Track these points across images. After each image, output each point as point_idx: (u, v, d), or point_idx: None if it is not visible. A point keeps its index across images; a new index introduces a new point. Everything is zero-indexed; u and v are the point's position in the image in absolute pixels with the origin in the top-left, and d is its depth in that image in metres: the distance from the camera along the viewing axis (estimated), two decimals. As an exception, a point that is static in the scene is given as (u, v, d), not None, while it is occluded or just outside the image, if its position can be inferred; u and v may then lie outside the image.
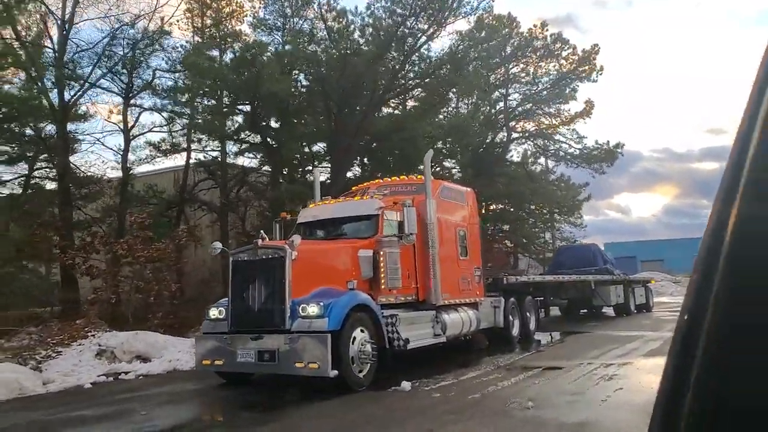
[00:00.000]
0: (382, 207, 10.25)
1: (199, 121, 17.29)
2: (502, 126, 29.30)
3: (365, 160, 22.79)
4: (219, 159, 21.29)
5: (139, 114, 19.89)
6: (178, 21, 20.16)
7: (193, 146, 20.68)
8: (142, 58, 19.48)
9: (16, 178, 21.36)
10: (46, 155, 21.09)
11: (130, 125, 19.93)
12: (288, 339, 8.10)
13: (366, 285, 9.60)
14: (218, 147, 20.79)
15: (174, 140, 19.64)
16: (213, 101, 18.53)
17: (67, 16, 21.12)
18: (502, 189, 28.38)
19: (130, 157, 20.02)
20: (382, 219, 10.18)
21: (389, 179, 13.05)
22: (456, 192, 12.65)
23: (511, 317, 14.29)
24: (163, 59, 19.56)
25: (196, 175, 22.11)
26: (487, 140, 28.63)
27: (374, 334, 8.89)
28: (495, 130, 29.34)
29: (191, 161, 20.87)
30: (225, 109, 17.88)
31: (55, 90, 19.52)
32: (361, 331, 8.59)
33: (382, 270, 9.62)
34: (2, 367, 8.67)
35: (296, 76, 18.80)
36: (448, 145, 25.59)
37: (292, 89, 17.47)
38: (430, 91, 21.26)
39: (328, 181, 19.17)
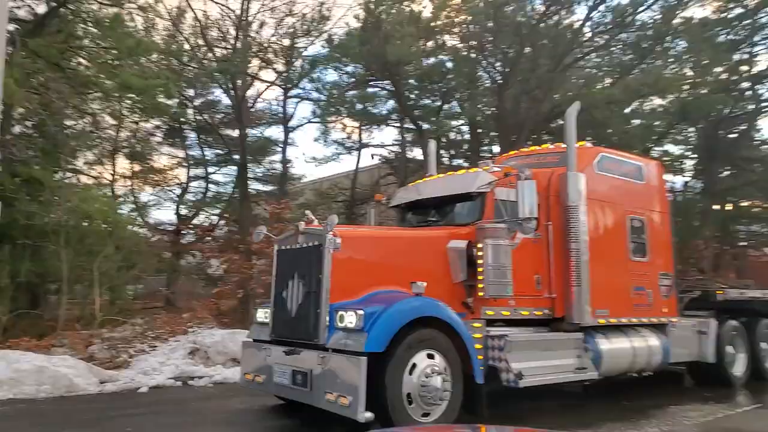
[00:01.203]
0: (490, 182, 7.44)
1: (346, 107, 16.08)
2: (745, 93, 22.74)
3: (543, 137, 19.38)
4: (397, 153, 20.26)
5: (297, 105, 19.66)
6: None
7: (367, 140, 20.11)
8: (301, 47, 19.20)
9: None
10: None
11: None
12: (321, 358, 5.96)
13: (459, 291, 6.97)
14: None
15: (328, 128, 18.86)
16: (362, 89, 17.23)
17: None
18: (751, 177, 22.06)
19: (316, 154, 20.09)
20: (491, 199, 7.38)
21: (537, 147, 9.95)
22: (627, 165, 9.06)
23: (730, 348, 10.03)
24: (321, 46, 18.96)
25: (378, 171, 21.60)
26: (726, 111, 22.47)
27: (456, 361, 6.24)
28: (734, 99, 22.93)
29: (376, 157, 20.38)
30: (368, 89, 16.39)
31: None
32: (429, 356, 6.03)
33: (480, 270, 6.86)
34: (62, 361, 8.13)
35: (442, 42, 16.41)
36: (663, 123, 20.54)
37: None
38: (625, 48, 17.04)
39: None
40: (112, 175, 30.94)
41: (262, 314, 7.28)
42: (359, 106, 17.41)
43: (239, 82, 21.71)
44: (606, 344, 7.98)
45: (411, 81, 15.86)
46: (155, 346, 10.25)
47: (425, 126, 16.49)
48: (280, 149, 23.76)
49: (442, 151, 17.86)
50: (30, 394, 7.53)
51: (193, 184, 30.91)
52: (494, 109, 17.40)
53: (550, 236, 7.82)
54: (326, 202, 23.57)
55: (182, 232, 23.61)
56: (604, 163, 8.63)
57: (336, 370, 5.76)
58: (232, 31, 21.69)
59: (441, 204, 7.99)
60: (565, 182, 7.86)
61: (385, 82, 16.50)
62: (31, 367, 7.79)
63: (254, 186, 30.64)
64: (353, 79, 17.00)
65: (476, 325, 6.95)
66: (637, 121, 19.44)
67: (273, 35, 19.17)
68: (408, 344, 5.86)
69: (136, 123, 33.07)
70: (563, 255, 7.78)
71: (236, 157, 24.01)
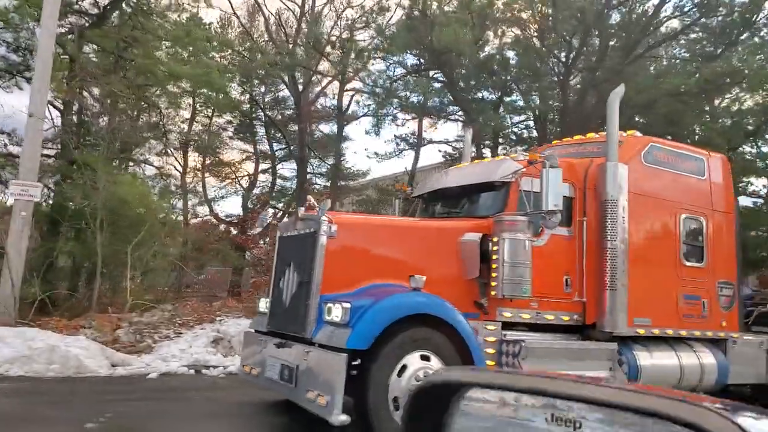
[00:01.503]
0: (515, 171, 6.73)
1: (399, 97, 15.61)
2: None
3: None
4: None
5: (351, 98, 19.42)
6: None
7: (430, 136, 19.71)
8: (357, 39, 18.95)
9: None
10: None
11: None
12: (306, 353, 5.55)
13: (472, 289, 6.35)
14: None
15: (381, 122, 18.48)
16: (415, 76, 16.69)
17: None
18: None
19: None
20: (515, 189, 6.69)
21: (581, 137, 9.07)
22: (684, 158, 8.04)
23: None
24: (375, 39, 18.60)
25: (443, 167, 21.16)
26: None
27: (457, 364, 5.63)
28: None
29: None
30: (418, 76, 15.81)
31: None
32: (423, 358, 5.46)
33: (494, 267, 6.20)
34: (75, 342, 8.18)
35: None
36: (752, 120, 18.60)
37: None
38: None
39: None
40: (183, 166, 32.15)
41: (263, 304, 6.95)
42: (413, 99, 16.88)
43: (299, 76, 21.82)
44: (646, 358, 7.08)
45: (464, 72, 15.07)
46: (180, 333, 10.22)
47: (480, 120, 15.68)
48: (344, 145, 23.74)
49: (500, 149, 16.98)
50: (39, 372, 7.60)
51: (261, 177, 31.52)
52: (558, 103, 16.37)
53: (584, 234, 7.01)
54: (387, 198, 23.34)
55: (246, 223, 24.03)
56: (655, 155, 7.69)
57: (317, 367, 5.33)
58: (294, 25, 21.86)
59: (463, 194, 7.37)
60: (604, 174, 7.02)
61: (437, 73, 15.85)
62: (45, 346, 7.87)
63: (319, 181, 30.95)
64: (404, 71, 16.47)
65: (490, 327, 6.31)
66: (726, 120, 17.73)
67: (332, 28, 19.11)
68: (398, 343, 5.33)
69: (210, 118, 34.26)
70: (598, 255, 6.96)
71: (296, 151, 24.22)
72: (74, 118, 15.57)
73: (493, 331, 6.32)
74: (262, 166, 33.61)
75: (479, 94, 16.31)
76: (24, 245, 10.18)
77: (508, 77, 16.49)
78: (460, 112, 17.03)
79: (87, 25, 14.91)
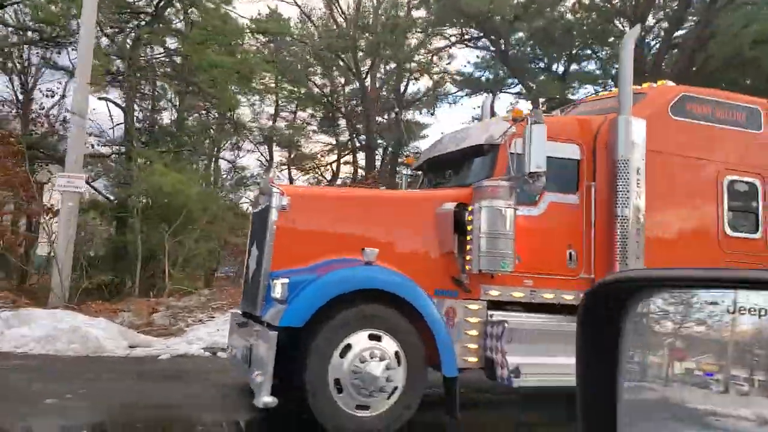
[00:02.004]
0: (504, 132, 6.00)
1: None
2: None
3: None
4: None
5: (407, 81, 18.86)
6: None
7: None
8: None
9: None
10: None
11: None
12: (255, 332, 5.30)
13: (451, 265, 5.76)
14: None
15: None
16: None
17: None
18: None
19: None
20: (504, 153, 5.97)
21: (606, 92, 7.99)
22: (729, 108, 6.82)
23: None
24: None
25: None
26: None
27: (416, 347, 5.13)
28: None
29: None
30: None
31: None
32: (373, 337, 4.99)
33: (469, 238, 5.56)
34: (96, 323, 8.53)
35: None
36: None
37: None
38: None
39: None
40: (268, 161, 33.31)
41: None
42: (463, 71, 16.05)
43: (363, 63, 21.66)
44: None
45: (516, 39, 14.06)
46: (213, 317, 10.39)
47: (536, 90, 14.57)
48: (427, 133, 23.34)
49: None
50: (60, 351, 7.99)
51: (344, 168, 31.92)
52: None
53: (593, 201, 6.13)
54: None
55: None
56: (689, 107, 6.58)
57: (258, 347, 5.05)
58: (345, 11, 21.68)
59: (454, 161, 6.73)
60: (615, 130, 6.10)
61: (482, 42, 14.93)
62: (68, 327, 8.25)
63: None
64: (449, 43, 15.70)
65: (473, 307, 5.71)
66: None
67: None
68: (342, 321, 4.91)
69: (294, 113, 35.18)
70: (608, 225, 6.06)
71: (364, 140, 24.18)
72: (139, 115, 16.40)
73: (476, 311, 5.72)
74: (346, 158, 34.09)
75: (540, 64, 15.15)
76: (72, 234, 10.80)
77: (575, 42, 15.21)
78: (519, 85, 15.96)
79: (143, 23, 15.60)
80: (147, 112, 16.90)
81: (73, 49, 14.28)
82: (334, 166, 33.74)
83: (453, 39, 15.66)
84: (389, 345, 5.02)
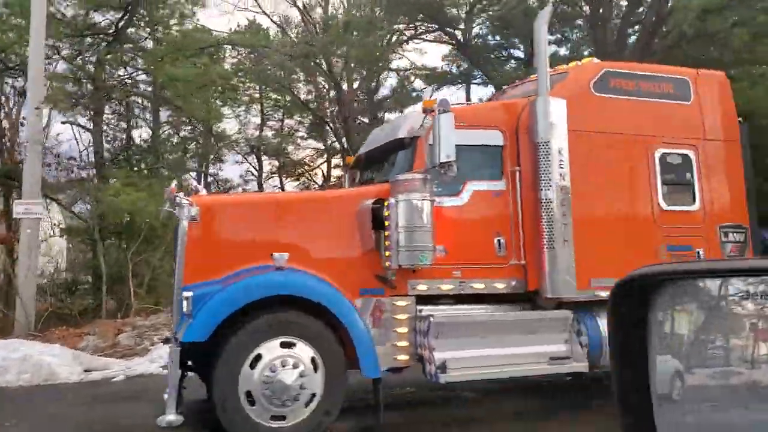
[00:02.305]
0: (422, 125, 5.88)
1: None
2: None
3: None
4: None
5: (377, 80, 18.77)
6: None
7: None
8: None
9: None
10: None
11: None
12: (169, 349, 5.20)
13: (374, 262, 5.64)
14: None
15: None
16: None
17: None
18: None
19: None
20: (422, 144, 5.86)
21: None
22: (657, 81, 6.68)
23: None
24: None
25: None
26: None
27: (335, 351, 5.03)
28: None
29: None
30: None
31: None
32: (285, 345, 4.89)
33: (386, 234, 5.45)
34: (47, 349, 8.48)
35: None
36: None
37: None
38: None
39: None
40: (258, 171, 33.24)
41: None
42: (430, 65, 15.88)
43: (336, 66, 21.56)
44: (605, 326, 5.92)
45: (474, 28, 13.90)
46: (179, 334, 10.31)
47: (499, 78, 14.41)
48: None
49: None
50: (11, 382, 7.91)
51: (336, 172, 31.88)
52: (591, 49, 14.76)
53: (518, 186, 6.00)
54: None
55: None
56: (613, 83, 6.45)
57: (169, 364, 4.95)
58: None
59: (381, 157, 6.62)
60: (534, 112, 5.98)
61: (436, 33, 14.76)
62: (19, 357, 8.18)
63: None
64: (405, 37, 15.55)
65: (400, 303, 5.61)
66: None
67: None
68: (251, 331, 4.83)
69: (281, 120, 35.09)
70: (536, 210, 5.93)
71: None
72: (110, 136, 16.36)
73: (405, 308, 5.61)
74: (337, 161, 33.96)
75: (503, 52, 14.98)
76: (33, 263, 10.75)
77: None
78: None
79: (105, 44, 15.56)
80: (121, 132, 16.89)
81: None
82: (325, 170, 33.69)
83: (408, 34, 15.48)
84: (304, 351, 4.93)
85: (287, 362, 4.81)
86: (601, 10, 14.97)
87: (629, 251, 6.14)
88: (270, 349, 4.83)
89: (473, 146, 6.05)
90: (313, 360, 4.94)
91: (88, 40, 15.47)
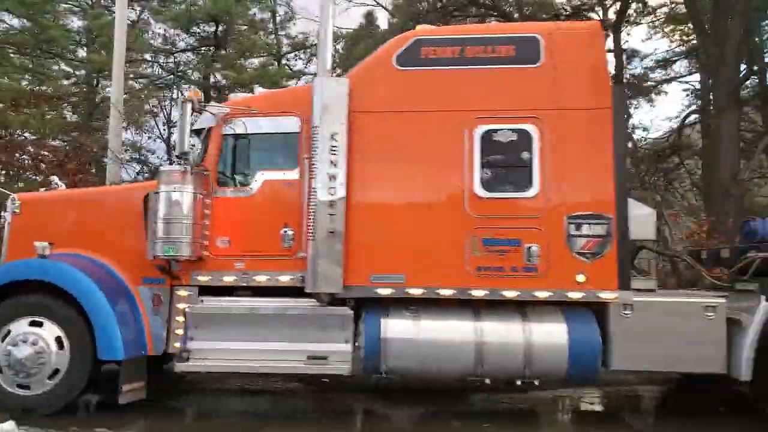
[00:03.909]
0: (215, 115, 5.97)
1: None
2: None
3: None
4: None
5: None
6: None
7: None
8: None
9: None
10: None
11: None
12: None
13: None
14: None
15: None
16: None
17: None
18: None
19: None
20: (218, 135, 5.99)
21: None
22: (488, 43, 5.71)
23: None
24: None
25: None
26: None
27: (81, 331, 5.52)
28: None
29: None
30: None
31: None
32: (34, 324, 5.52)
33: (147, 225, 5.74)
34: None
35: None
36: None
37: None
38: None
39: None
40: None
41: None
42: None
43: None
44: (400, 329, 5.38)
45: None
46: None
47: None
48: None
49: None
50: None
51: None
52: None
53: (306, 175, 5.74)
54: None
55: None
56: (423, 52, 5.74)
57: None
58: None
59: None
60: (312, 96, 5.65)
61: None
62: None
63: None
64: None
65: (181, 293, 5.86)
66: None
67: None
68: (3, 309, 5.55)
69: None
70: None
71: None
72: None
73: (185, 297, 5.86)
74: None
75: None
76: None
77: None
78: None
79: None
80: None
81: None
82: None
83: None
84: (50, 331, 5.51)
85: (27, 339, 5.43)
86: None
87: (425, 245, 5.45)
88: (19, 326, 5.50)
89: (267, 134, 5.96)
90: (59, 339, 5.48)
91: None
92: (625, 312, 5.32)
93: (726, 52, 11.65)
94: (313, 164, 5.50)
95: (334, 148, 5.48)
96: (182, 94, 5.67)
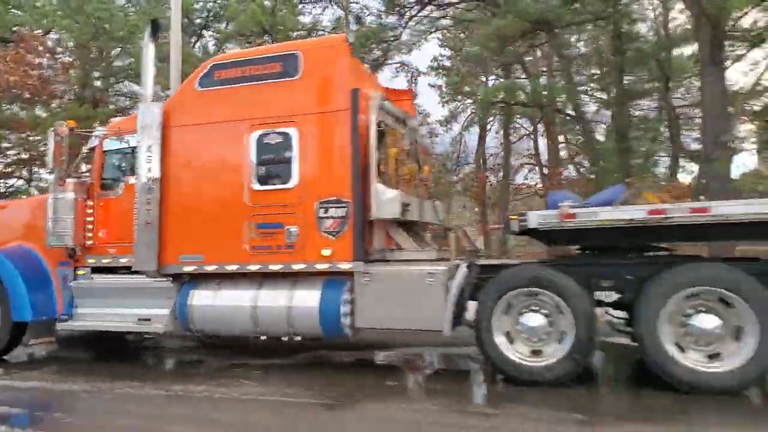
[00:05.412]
0: (96, 135, 8.05)
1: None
2: None
3: None
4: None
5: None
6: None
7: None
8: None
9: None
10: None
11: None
12: None
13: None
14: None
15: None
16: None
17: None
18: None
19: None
20: (99, 152, 8.03)
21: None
22: (263, 62, 6.98)
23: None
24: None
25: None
26: None
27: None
28: None
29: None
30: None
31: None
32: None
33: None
34: None
35: None
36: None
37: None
38: None
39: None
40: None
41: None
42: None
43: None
44: (202, 298, 7.03)
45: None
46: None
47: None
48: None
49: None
50: None
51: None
52: None
53: (141, 180, 7.57)
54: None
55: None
56: (215, 75, 7.21)
57: None
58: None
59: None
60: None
61: None
62: None
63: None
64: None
65: (80, 272, 8.02)
66: None
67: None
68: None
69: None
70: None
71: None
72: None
73: (82, 275, 7.98)
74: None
75: None
76: None
77: None
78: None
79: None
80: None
81: None
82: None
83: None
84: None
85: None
86: None
87: (217, 231, 6.97)
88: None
89: (124, 150, 7.80)
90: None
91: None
92: (365, 280, 6.37)
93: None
94: (138, 171, 7.24)
95: (149, 158, 7.16)
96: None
